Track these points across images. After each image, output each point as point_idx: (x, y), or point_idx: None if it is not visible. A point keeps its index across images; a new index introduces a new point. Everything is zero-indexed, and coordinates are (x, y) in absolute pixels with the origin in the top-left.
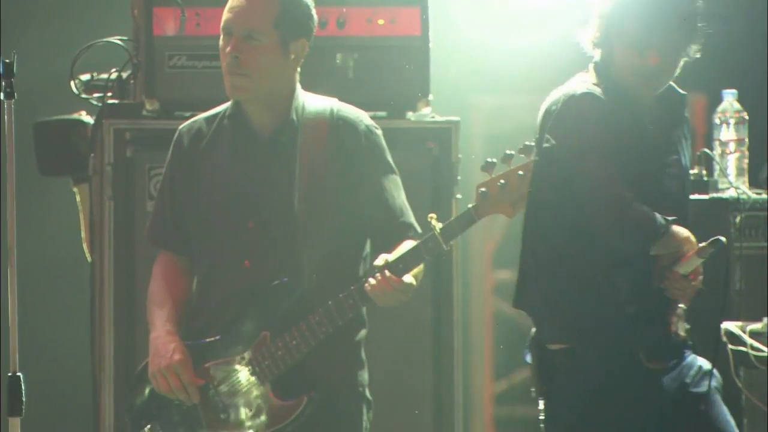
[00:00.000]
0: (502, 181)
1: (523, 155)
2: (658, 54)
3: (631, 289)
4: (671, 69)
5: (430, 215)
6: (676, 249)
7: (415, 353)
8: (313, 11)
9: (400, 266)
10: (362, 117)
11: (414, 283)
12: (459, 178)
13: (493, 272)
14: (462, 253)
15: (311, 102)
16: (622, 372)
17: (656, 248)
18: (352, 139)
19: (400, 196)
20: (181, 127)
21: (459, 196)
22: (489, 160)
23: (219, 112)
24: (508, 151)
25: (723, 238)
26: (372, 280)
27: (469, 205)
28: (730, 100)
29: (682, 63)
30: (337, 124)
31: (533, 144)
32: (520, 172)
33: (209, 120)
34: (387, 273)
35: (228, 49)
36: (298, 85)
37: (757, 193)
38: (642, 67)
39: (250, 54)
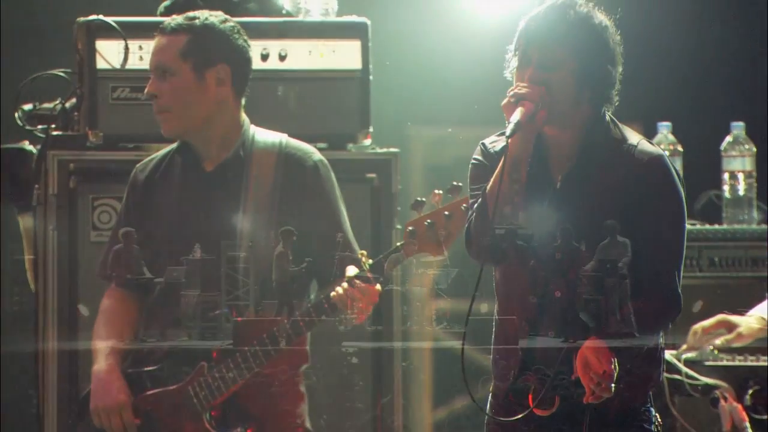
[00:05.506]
0: (429, 220)
1: (450, 195)
2: (534, 73)
3: None
4: (558, 90)
5: (361, 252)
6: None
7: (355, 381)
8: (236, 35)
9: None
10: (310, 152)
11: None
12: (399, 208)
13: (433, 301)
14: (402, 282)
15: (261, 136)
16: None
17: None
18: (299, 174)
19: (345, 230)
20: (137, 166)
21: (399, 226)
22: (418, 198)
23: (171, 149)
24: (436, 191)
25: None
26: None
27: (398, 244)
28: (664, 132)
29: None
30: (284, 158)
31: (461, 184)
32: (446, 212)
33: (162, 157)
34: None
35: (146, 90)
36: (247, 120)
37: (691, 224)
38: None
39: (166, 89)
